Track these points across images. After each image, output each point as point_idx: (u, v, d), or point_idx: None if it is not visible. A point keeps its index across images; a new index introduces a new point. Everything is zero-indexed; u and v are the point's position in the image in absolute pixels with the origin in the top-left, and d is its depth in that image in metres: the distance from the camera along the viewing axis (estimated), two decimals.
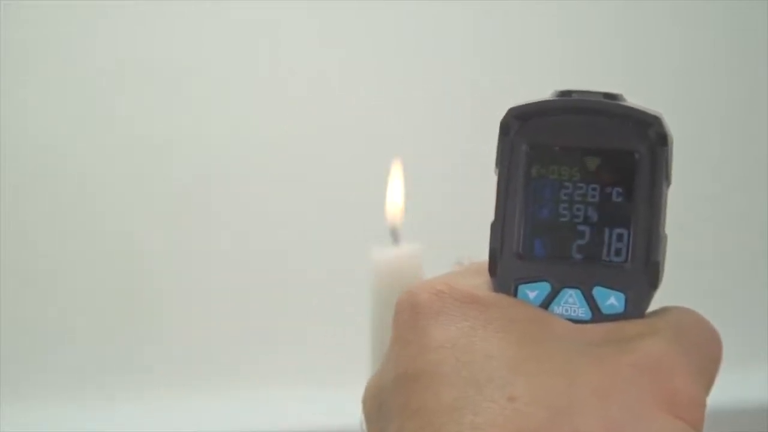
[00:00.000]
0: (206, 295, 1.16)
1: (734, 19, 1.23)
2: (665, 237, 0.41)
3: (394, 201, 0.85)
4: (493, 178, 0.40)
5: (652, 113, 0.40)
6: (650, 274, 0.40)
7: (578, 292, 0.39)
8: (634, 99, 0.41)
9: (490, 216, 0.41)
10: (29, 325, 1.13)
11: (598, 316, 0.39)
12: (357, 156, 1.16)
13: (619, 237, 0.40)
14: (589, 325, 0.39)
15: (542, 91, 0.40)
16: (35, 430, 1.10)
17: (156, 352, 1.16)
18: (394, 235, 0.85)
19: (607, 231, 0.40)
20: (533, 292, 0.40)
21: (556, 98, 0.40)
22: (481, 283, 0.40)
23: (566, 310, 0.39)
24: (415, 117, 1.17)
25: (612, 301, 0.39)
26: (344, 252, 1.14)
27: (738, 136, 1.26)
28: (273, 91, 1.15)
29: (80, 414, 1.12)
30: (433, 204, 1.13)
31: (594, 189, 0.40)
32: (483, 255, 0.40)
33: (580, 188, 0.40)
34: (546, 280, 0.40)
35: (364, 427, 0.39)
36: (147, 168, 1.14)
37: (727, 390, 1.19)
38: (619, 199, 0.40)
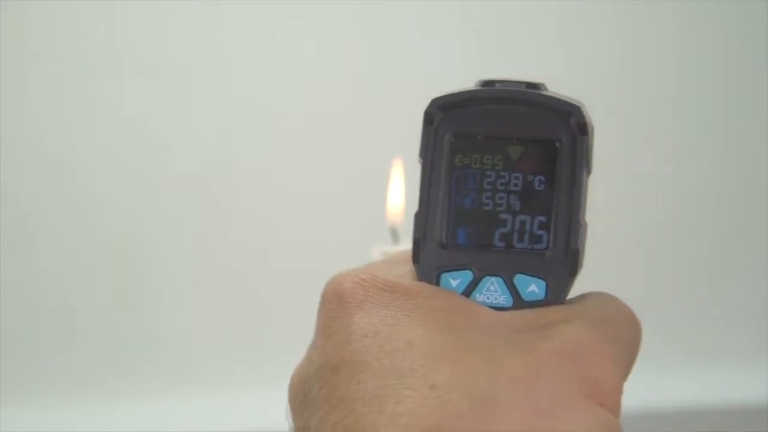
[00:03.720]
0: (206, 295, 1.16)
1: (734, 19, 1.23)
2: (585, 225, 0.41)
3: (394, 201, 0.85)
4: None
5: (573, 102, 0.40)
6: (570, 262, 0.40)
7: (500, 279, 0.40)
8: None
9: None
10: (29, 326, 1.13)
11: (519, 303, 0.40)
12: (357, 156, 1.16)
13: (541, 225, 0.40)
14: (510, 313, 0.39)
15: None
16: (35, 431, 1.10)
17: (156, 353, 1.16)
18: (394, 235, 0.85)
19: (529, 219, 0.40)
20: (456, 280, 0.40)
21: (480, 88, 0.41)
22: (405, 272, 0.41)
23: (488, 298, 0.40)
24: (415, 117, 1.17)
25: (533, 288, 0.40)
26: (344, 252, 1.13)
27: (738, 135, 1.26)
28: (273, 91, 1.15)
29: (80, 414, 1.12)
30: None
31: (517, 178, 0.40)
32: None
33: (503, 177, 0.40)
34: (468, 268, 0.40)
35: (290, 418, 0.39)
36: (146, 168, 1.14)
37: (727, 390, 1.20)
38: (541, 188, 0.40)
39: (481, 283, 0.40)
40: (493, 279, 0.40)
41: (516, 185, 0.40)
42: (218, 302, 1.16)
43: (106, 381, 1.14)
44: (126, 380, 1.15)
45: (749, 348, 1.24)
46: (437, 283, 0.40)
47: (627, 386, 0.38)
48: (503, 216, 0.40)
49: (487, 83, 0.41)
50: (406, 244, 0.85)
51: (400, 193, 0.86)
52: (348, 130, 1.17)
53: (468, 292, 0.40)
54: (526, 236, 0.40)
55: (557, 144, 0.40)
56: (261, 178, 1.16)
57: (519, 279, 0.40)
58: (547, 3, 1.18)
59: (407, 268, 0.41)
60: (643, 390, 1.14)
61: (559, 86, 0.41)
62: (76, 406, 1.13)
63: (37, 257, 1.13)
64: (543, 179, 0.40)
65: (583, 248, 0.41)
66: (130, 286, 1.15)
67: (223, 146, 1.15)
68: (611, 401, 0.37)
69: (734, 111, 1.25)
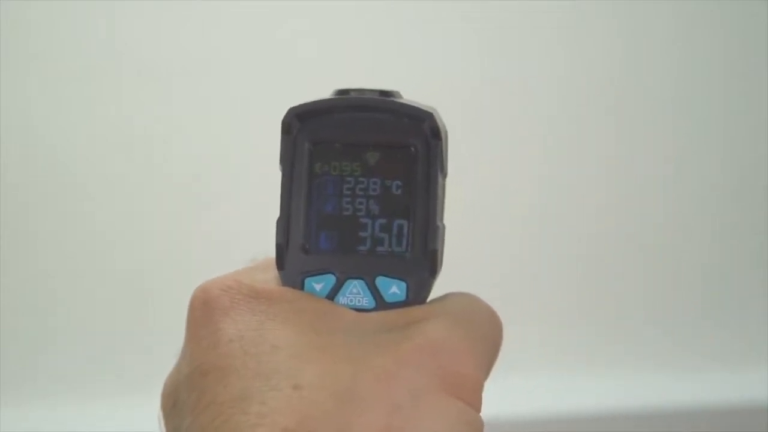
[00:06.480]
0: None
1: (734, 19, 1.23)
2: (443, 226, 0.42)
3: None
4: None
5: (426, 109, 0.42)
6: (429, 263, 0.41)
7: (362, 282, 0.41)
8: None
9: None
10: (29, 326, 1.13)
11: (381, 304, 0.41)
12: None
13: (400, 228, 0.42)
14: (373, 313, 0.41)
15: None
16: (35, 430, 1.10)
17: (156, 353, 1.16)
18: None
19: (388, 223, 0.42)
20: (319, 284, 0.42)
21: (335, 97, 0.43)
22: (270, 278, 0.42)
23: (351, 300, 0.41)
24: None
25: (394, 289, 0.41)
26: None
27: (738, 135, 1.26)
28: (273, 91, 1.15)
29: (80, 414, 1.12)
30: None
31: (375, 183, 0.42)
32: None
33: (362, 182, 0.42)
34: (331, 272, 0.42)
35: (162, 424, 0.41)
36: (146, 168, 1.14)
37: (727, 390, 1.20)
38: (399, 192, 0.42)
39: (344, 287, 0.41)
40: (355, 282, 0.41)
41: (375, 190, 0.42)
42: None
43: (106, 381, 1.14)
44: (126, 380, 1.15)
45: (749, 348, 1.24)
46: (301, 288, 0.42)
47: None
48: (363, 220, 0.42)
49: (342, 92, 0.43)
50: None
51: None
52: None
53: (331, 295, 0.42)
54: (386, 239, 0.42)
55: (412, 149, 0.41)
56: (261, 178, 1.16)
57: (380, 281, 0.41)
58: (547, 3, 1.18)
59: (272, 274, 0.42)
60: (643, 390, 1.13)
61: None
62: (76, 406, 1.13)
63: (37, 257, 1.13)
64: (400, 184, 0.42)
65: (442, 249, 0.42)
66: (129, 286, 1.15)
67: (222, 146, 1.15)
68: (472, 396, 0.38)
69: (734, 111, 1.25)
